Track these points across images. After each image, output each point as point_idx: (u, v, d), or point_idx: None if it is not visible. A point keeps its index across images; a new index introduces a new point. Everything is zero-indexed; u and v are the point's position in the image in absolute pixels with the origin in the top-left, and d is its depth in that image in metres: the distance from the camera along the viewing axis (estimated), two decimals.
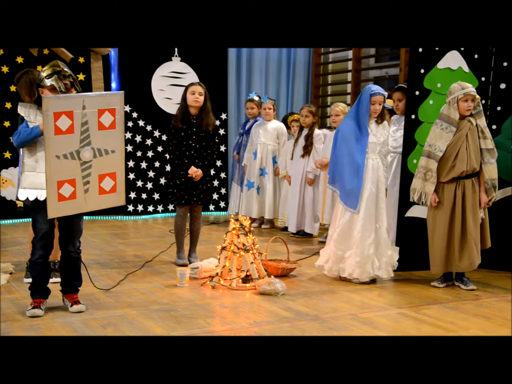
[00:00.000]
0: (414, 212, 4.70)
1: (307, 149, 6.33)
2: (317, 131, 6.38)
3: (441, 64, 4.66)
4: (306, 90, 9.02)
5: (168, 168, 7.83)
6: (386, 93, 4.49)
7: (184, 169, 4.88)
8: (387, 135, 4.62)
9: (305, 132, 6.40)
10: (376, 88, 4.46)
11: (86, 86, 7.18)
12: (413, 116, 4.69)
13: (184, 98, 4.91)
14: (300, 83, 8.92)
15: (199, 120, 4.88)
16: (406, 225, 4.72)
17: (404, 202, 4.70)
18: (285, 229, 6.65)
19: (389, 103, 5.61)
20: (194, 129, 4.87)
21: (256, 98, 7.07)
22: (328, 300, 4.04)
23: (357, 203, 4.39)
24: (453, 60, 4.65)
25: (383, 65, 8.59)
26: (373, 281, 4.46)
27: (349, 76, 8.48)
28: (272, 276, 4.39)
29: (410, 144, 4.72)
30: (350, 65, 8.53)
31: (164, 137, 7.80)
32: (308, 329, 3.39)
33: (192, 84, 4.95)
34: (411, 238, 4.68)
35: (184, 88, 5.00)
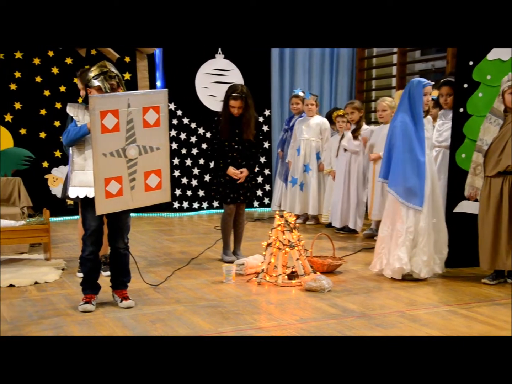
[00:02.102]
0: (463, 207, 4.58)
1: None
2: (364, 126, 6.30)
3: (491, 55, 4.52)
4: (350, 85, 8.92)
5: (212, 164, 7.88)
6: (432, 83, 4.49)
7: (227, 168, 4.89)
8: (432, 130, 4.54)
9: (352, 127, 6.33)
10: (425, 80, 4.45)
11: (132, 85, 7.30)
12: (461, 110, 4.57)
13: (226, 107, 4.83)
14: (344, 78, 8.82)
15: (242, 129, 4.86)
16: (455, 220, 4.60)
17: (453, 197, 4.59)
18: (330, 225, 6.60)
19: (433, 94, 5.49)
20: (236, 138, 4.88)
21: (301, 94, 7.05)
22: (375, 297, 3.98)
23: (422, 200, 4.29)
24: (503, 50, 4.50)
25: (429, 58, 8.39)
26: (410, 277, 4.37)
27: (394, 70, 8.33)
28: (318, 273, 4.36)
29: (458, 138, 4.60)
30: (395, 58, 8.38)
31: (208, 134, 7.86)
32: (356, 326, 3.35)
33: (232, 97, 4.78)
34: (460, 234, 4.57)
35: (226, 89, 4.93)
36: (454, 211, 4.61)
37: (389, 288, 4.20)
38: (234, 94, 4.79)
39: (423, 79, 4.44)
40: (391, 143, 4.42)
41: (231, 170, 4.86)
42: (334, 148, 6.61)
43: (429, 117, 4.52)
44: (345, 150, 6.29)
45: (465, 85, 4.55)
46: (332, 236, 5.29)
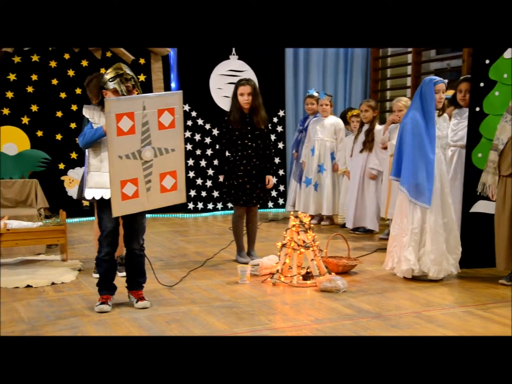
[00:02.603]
0: (479, 207, 4.54)
1: (367, 145, 6.24)
2: (378, 126, 6.27)
3: (507, 54, 4.48)
4: (365, 85, 8.88)
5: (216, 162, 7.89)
6: (446, 81, 4.43)
7: (241, 169, 4.88)
8: (448, 128, 4.51)
9: (365, 127, 6.31)
10: (437, 77, 4.44)
11: (147, 87, 7.34)
12: (477, 109, 4.53)
13: (235, 98, 4.89)
14: (358, 78, 8.79)
15: (252, 118, 4.87)
16: (471, 220, 4.57)
17: (469, 197, 4.55)
18: (344, 225, 6.58)
19: (448, 93, 5.45)
20: (249, 128, 4.87)
21: (316, 94, 7.03)
22: (390, 297, 3.97)
23: (430, 198, 4.27)
24: None
25: (444, 57, 8.33)
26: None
27: (409, 69, 8.29)
28: (333, 273, 4.35)
29: (474, 137, 4.57)
30: (409, 58, 8.33)
31: None
32: (371, 327, 3.34)
33: (240, 84, 4.87)
34: (476, 234, 4.53)
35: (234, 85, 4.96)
36: (470, 211, 4.58)
37: (404, 288, 4.18)
38: (242, 81, 4.89)
39: (435, 77, 4.44)
40: (402, 140, 4.41)
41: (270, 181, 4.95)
42: (348, 148, 6.59)
43: (445, 115, 4.49)
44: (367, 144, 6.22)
45: (481, 84, 4.51)
46: (347, 237, 5.28)
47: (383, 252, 5.26)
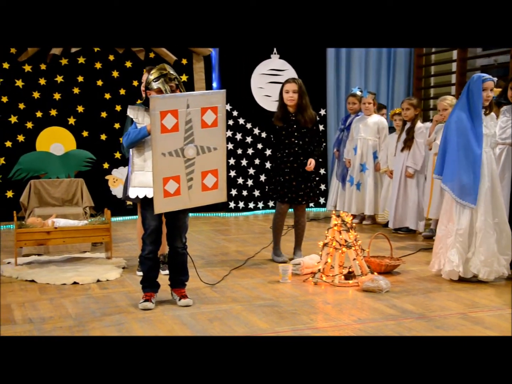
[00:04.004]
0: None
1: (408, 143, 6.14)
2: (419, 124, 6.17)
3: None
4: (408, 82, 8.74)
5: (268, 165, 7.90)
6: (495, 79, 4.30)
7: (288, 166, 4.86)
8: (495, 127, 4.39)
9: (407, 125, 6.22)
10: (486, 74, 4.32)
11: (189, 87, 7.41)
12: None
13: (281, 96, 4.90)
14: (401, 75, 8.66)
15: (298, 117, 4.86)
16: None
17: None
18: (386, 225, 6.50)
19: (496, 92, 5.30)
20: (295, 126, 4.85)
21: (358, 93, 6.95)
22: (434, 298, 3.89)
23: (476, 197, 4.18)
24: None
25: (491, 53, 8.12)
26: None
27: (454, 66, 8.11)
28: (375, 273, 4.30)
29: None
30: (455, 54, 8.15)
31: (264, 135, 7.89)
32: (415, 328, 3.29)
33: (286, 81, 4.90)
34: None
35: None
36: None
37: (449, 289, 4.10)
38: (288, 79, 4.92)
39: (483, 74, 4.33)
40: (446, 139, 4.32)
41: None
42: (391, 146, 6.51)
43: (492, 113, 4.38)
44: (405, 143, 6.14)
45: None
46: (390, 236, 5.21)
47: (426, 252, 5.18)
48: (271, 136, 5.00)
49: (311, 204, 8.13)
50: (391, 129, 6.85)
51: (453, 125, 4.27)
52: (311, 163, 4.81)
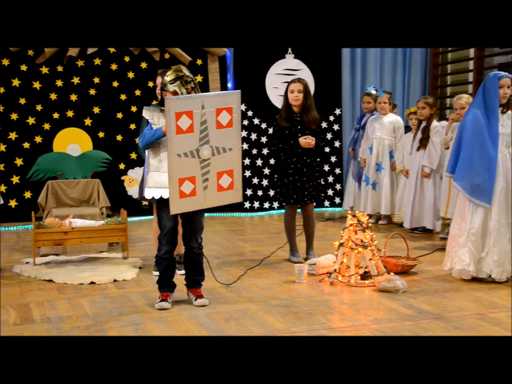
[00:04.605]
0: None
1: (423, 142, 6.10)
2: (434, 123, 6.12)
3: None
4: (424, 81, 8.68)
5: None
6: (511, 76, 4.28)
7: (292, 167, 4.86)
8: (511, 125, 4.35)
9: (423, 124, 6.18)
10: (502, 72, 4.30)
11: (204, 87, 7.42)
12: None
13: (286, 96, 4.88)
14: (417, 74, 8.60)
15: (303, 117, 4.85)
16: None
17: None
18: (402, 224, 6.46)
19: None
20: (299, 127, 4.84)
21: (374, 92, 6.92)
22: (452, 298, 3.86)
23: (491, 197, 4.14)
24: None
25: (509, 51, 8.02)
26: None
27: (471, 64, 8.04)
28: (392, 273, 4.28)
29: None
30: (471, 52, 8.08)
31: None
32: (432, 328, 3.27)
33: (291, 81, 4.88)
34: None
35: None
36: None
37: (466, 289, 4.06)
38: (293, 79, 4.91)
39: (499, 72, 4.29)
40: (461, 137, 4.28)
41: (302, 140, 4.74)
42: (407, 145, 6.47)
43: (510, 112, 4.34)
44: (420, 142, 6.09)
45: None
46: (406, 236, 5.18)
47: (443, 252, 5.13)
48: (275, 134, 4.95)
49: (327, 204, 8.12)
50: (407, 128, 6.81)
51: (469, 124, 4.24)
52: (310, 138, 4.73)
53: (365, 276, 4.29)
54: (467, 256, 4.17)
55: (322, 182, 5.10)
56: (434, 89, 8.59)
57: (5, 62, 6.98)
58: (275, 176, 4.99)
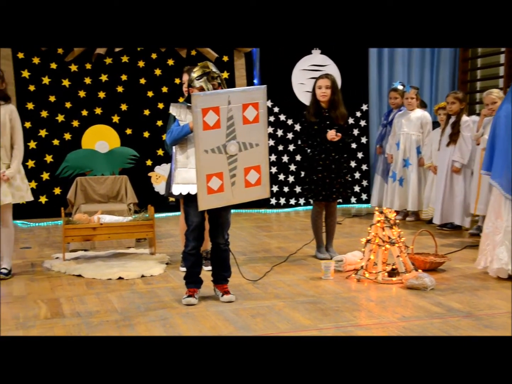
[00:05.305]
0: None
1: (453, 137, 6.01)
2: (464, 118, 6.03)
3: None
4: (452, 76, 8.55)
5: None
6: None
7: (320, 164, 4.84)
8: None
9: (452, 119, 6.09)
10: None
11: (230, 83, 7.43)
12: None
13: (313, 92, 4.87)
14: (446, 69, 8.47)
15: (331, 113, 4.82)
16: None
17: None
18: (431, 221, 6.38)
19: None
20: (327, 122, 4.82)
21: (400, 88, 6.83)
22: (482, 296, 3.80)
23: None
24: None
25: None
26: None
27: (502, 58, 7.88)
28: (420, 270, 4.23)
29: None
30: None
31: None
32: (462, 326, 3.22)
33: (319, 77, 4.87)
34: None
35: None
36: None
37: (497, 287, 3.99)
38: (321, 75, 4.89)
39: None
40: (495, 133, 4.20)
41: (329, 134, 4.71)
42: (435, 141, 6.38)
43: None
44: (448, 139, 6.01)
45: None
46: (434, 233, 5.11)
47: (473, 249, 5.06)
48: (303, 130, 4.94)
49: (353, 200, 8.06)
50: (435, 124, 6.72)
51: (502, 119, 4.14)
52: (336, 133, 4.70)
53: (393, 273, 4.25)
54: (505, 255, 4.09)
55: (349, 179, 5.02)
56: (463, 83, 8.46)
57: (36, 60, 7.10)
58: (302, 172, 4.95)
